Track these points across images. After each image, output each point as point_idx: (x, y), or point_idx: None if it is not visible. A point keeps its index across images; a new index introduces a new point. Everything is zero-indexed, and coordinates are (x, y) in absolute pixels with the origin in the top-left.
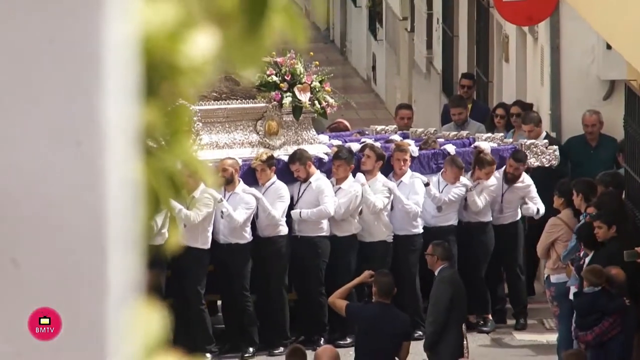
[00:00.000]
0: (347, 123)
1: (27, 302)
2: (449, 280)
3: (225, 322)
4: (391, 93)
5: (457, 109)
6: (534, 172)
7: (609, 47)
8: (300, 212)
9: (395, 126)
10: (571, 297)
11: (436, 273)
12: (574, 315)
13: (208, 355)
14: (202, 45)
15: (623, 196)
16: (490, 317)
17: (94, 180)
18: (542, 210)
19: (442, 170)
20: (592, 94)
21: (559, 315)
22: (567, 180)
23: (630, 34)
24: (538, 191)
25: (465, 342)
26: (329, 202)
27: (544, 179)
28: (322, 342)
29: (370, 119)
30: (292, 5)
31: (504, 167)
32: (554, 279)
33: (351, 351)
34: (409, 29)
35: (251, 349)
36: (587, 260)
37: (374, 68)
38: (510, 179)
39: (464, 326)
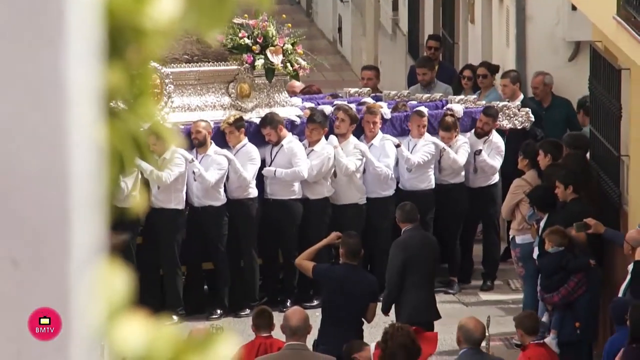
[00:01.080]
0: (298, 84)
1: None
2: (402, 244)
3: (188, 284)
4: (357, 55)
5: (423, 69)
6: (509, 135)
7: (574, 8)
8: (275, 171)
9: (368, 89)
10: (535, 257)
11: (401, 234)
12: (539, 276)
13: (174, 317)
14: (166, 7)
15: (587, 157)
16: (456, 279)
17: (57, 140)
18: (494, 164)
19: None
20: (558, 56)
21: (524, 275)
22: (531, 142)
23: None
24: (513, 154)
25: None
26: (302, 164)
27: (519, 141)
28: (288, 303)
29: (336, 81)
30: None
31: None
32: (519, 239)
33: (318, 312)
34: None
35: (219, 311)
36: (542, 223)
37: (339, 30)
38: (479, 134)
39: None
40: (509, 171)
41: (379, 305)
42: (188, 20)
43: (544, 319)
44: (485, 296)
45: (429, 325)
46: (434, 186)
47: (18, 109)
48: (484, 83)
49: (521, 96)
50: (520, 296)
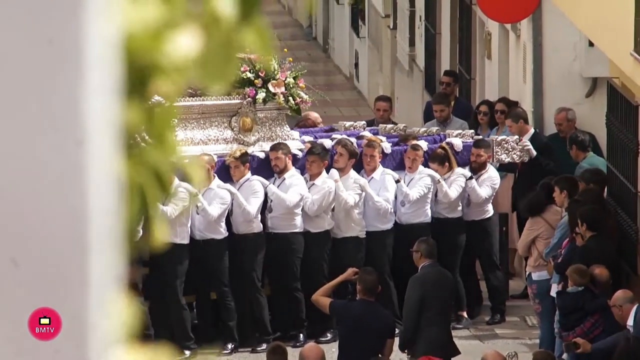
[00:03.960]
0: (317, 115)
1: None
2: (420, 280)
3: (198, 319)
4: (374, 90)
5: (440, 105)
6: (523, 168)
7: (591, 44)
8: (272, 187)
9: (364, 122)
10: (553, 294)
11: (419, 271)
12: (557, 314)
13: (187, 352)
14: (184, 45)
15: (605, 193)
16: (465, 314)
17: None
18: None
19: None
20: (575, 92)
21: (540, 312)
22: (549, 178)
23: (613, 31)
24: (525, 187)
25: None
26: (294, 193)
27: (532, 176)
28: (301, 337)
29: (352, 116)
30: (261, 20)
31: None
32: (535, 276)
33: (334, 347)
34: (391, 27)
35: (230, 346)
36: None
37: (356, 65)
38: (474, 168)
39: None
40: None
41: (396, 341)
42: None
43: (564, 356)
44: (501, 331)
45: None
46: (430, 220)
47: (40, 147)
48: (501, 119)
49: (531, 131)
50: (537, 332)
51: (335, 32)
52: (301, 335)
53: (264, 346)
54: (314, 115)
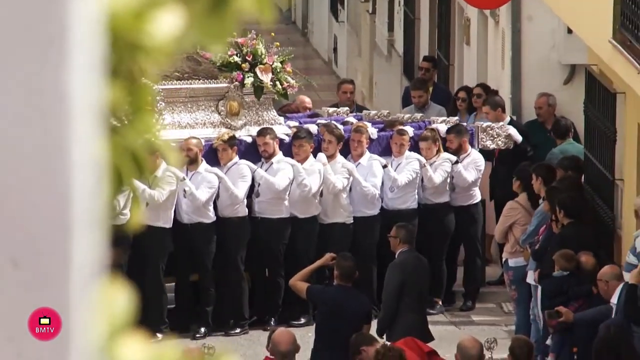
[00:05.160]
0: (309, 100)
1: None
2: (400, 266)
3: (177, 300)
4: (352, 75)
5: (418, 91)
6: (501, 156)
7: (569, 31)
8: (260, 171)
9: (346, 108)
10: (529, 280)
11: (396, 256)
12: (540, 298)
13: (159, 335)
14: (167, 24)
15: (582, 180)
16: (440, 301)
17: (58, 157)
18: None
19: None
20: (553, 79)
21: (516, 299)
22: (526, 164)
23: (591, 19)
24: (504, 175)
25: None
26: (283, 177)
27: (512, 162)
28: (272, 322)
29: (331, 101)
30: None
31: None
32: (512, 262)
33: (310, 332)
34: (370, 11)
35: (203, 330)
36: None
37: (335, 50)
38: (451, 154)
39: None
40: (501, 192)
41: (373, 326)
42: (189, 36)
43: (548, 341)
44: (477, 318)
45: None
46: (417, 206)
47: (21, 125)
48: (478, 102)
49: (507, 118)
50: (513, 318)
51: (314, 16)
52: (272, 320)
53: (238, 330)
54: (307, 99)
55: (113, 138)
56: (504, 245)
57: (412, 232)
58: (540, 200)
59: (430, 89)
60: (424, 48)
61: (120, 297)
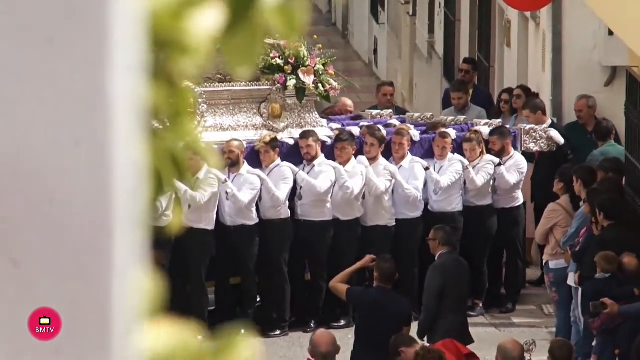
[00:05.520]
0: (350, 102)
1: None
2: (441, 268)
3: (217, 303)
4: (392, 77)
5: (458, 93)
6: (541, 158)
7: (610, 33)
8: (302, 174)
9: (390, 110)
10: (569, 282)
11: (436, 259)
12: (581, 301)
13: (200, 337)
14: (207, 24)
15: (623, 182)
16: (480, 303)
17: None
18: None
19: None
20: (594, 80)
21: (557, 301)
22: (569, 166)
23: (632, 20)
24: (545, 177)
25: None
26: (325, 180)
27: (552, 165)
28: (312, 324)
29: (371, 103)
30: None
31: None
32: (552, 264)
33: (349, 334)
34: (410, 13)
35: (242, 332)
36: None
37: (375, 52)
38: (494, 155)
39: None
40: (541, 195)
41: (413, 329)
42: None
43: (593, 343)
44: (517, 320)
45: None
46: (461, 208)
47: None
48: (518, 104)
49: (548, 121)
50: (554, 320)
51: (355, 18)
52: (312, 321)
53: (278, 332)
54: (349, 102)
55: (154, 140)
56: (544, 247)
57: (450, 234)
58: (581, 203)
59: (471, 91)
60: (464, 50)
61: (151, 292)
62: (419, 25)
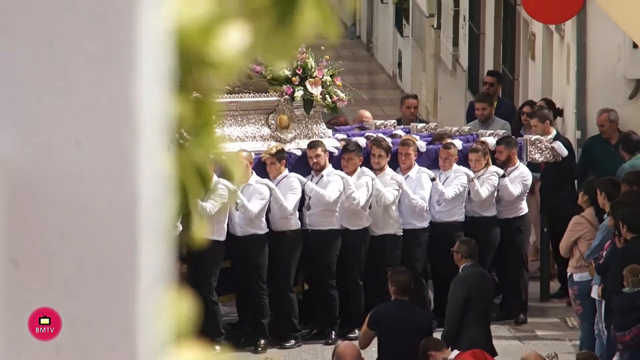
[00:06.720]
0: (367, 114)
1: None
2: (463, 280)
3: (239, 315)
4: (417, 90)
5: (482, 103)
6: (547, 169)
7: (635, 46)
8: (310, 184)
9: (394, 121)
10: (593, 295)
11: (460, 271)
12: (604, 314)
13: (217, 347)
14: (233, 40)
15: None
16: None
17: (126, 169)
18: (513, 190)
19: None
20: (618, 93)
21: (581, 314)
22: (594, 179)
23: None
24: (550, 188)
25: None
26: (333, 190)
27: (557, 177)
28: (333, 335)
29: (395, 115)
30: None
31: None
32: (576, 277)
33: (373, 347)
34: (435, 26)
35: (262, 341)
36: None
37: (399, 64)
38: (499, 166)
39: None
40: (547, 207)
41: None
42: (254, 52)
43: (615, 358)
44: (541, 332)
45: None
46: (464, 219)
47: (89, 133)
48: (527, 120)
49: (553, 132)
50: (578, 333)
51: (379, 31)
52: (333, 332)
53: (292, 342)
54: (367, 113)
55: (179, 153)
56: (569, 260)
57: (474, 247)
58: (605, 215)
59: (495, 103)
60: (488, 63)
61: (182, 307)
62: (443, 38)
